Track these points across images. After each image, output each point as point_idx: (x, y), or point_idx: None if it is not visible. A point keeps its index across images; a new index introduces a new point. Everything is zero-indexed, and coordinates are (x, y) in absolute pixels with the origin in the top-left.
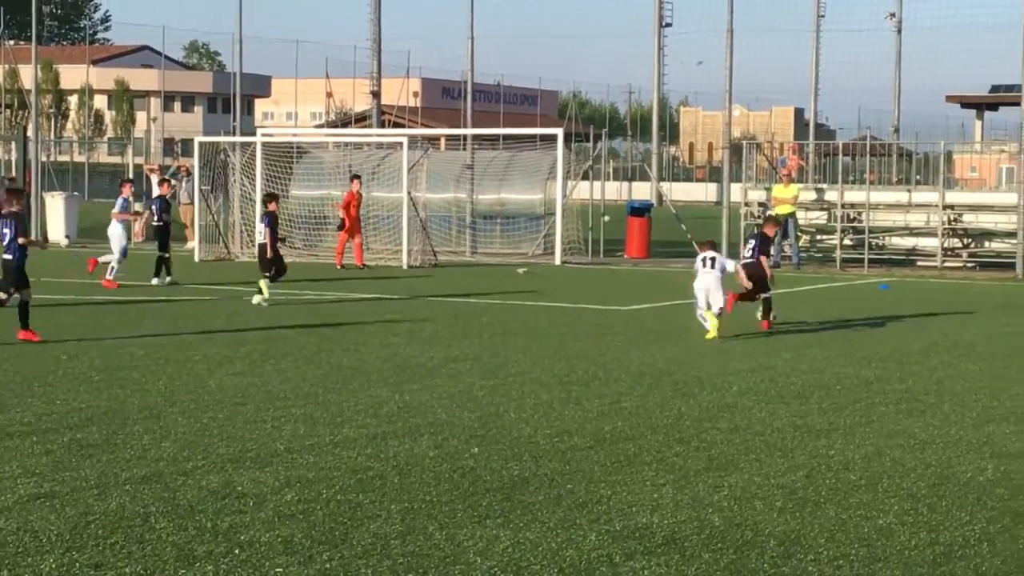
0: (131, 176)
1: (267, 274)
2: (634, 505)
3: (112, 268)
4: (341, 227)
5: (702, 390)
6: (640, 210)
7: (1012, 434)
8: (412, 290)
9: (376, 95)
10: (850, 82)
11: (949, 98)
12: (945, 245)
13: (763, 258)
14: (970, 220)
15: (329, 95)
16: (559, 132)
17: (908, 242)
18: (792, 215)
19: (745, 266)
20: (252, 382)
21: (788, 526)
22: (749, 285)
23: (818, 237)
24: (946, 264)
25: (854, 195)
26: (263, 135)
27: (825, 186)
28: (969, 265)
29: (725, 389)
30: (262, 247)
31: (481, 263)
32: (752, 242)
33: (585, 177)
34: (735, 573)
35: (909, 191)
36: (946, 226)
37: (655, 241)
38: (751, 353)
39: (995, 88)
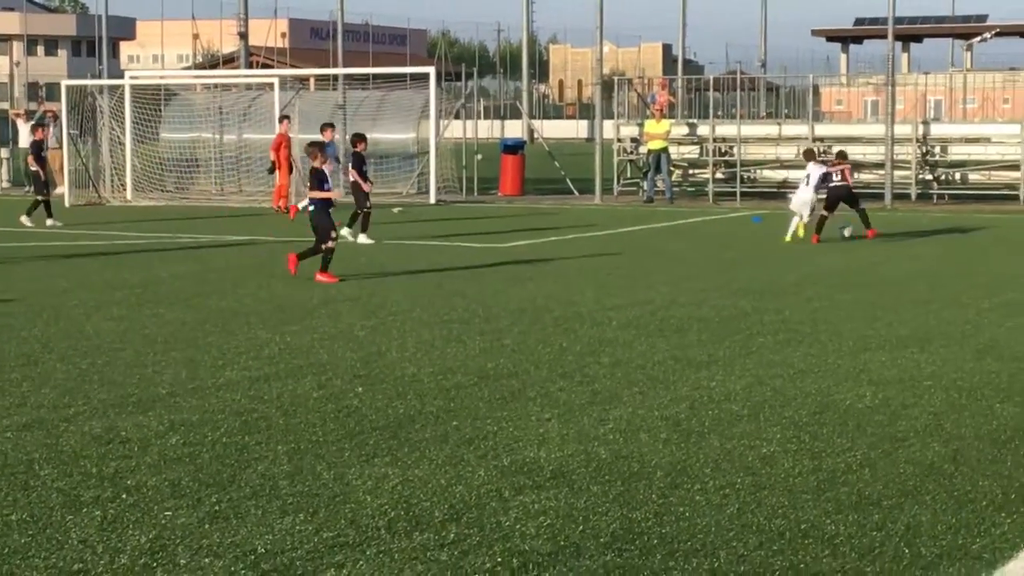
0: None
1: (362, 210)
2: (520, 440)
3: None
4: (272, 170)
5: (582, 325)
6: (513, 148)
7: (888, 361)
8: (287, 231)
9: (244, 36)
10: (718, 18)
11: (815, 32)
12: None
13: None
14: None
15: (196, 37)
16: (431, 71)
17: (779, 175)
18: (664, 150)
19: (834, 188)
20: (130, 327)
21: (674, 457)
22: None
23: (690, 172)
24: (818, 196)
25: (725, 129)
26: (131, 77)
27: (696, 121)
28: None
29: (605, 324)
30: (354, 184)
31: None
32: (835, 175)
33: (457, 116)
34: (624, 504)
35: (779, 124)
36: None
37: (528, 179)
38: (630, 287)
39: (859, 21)
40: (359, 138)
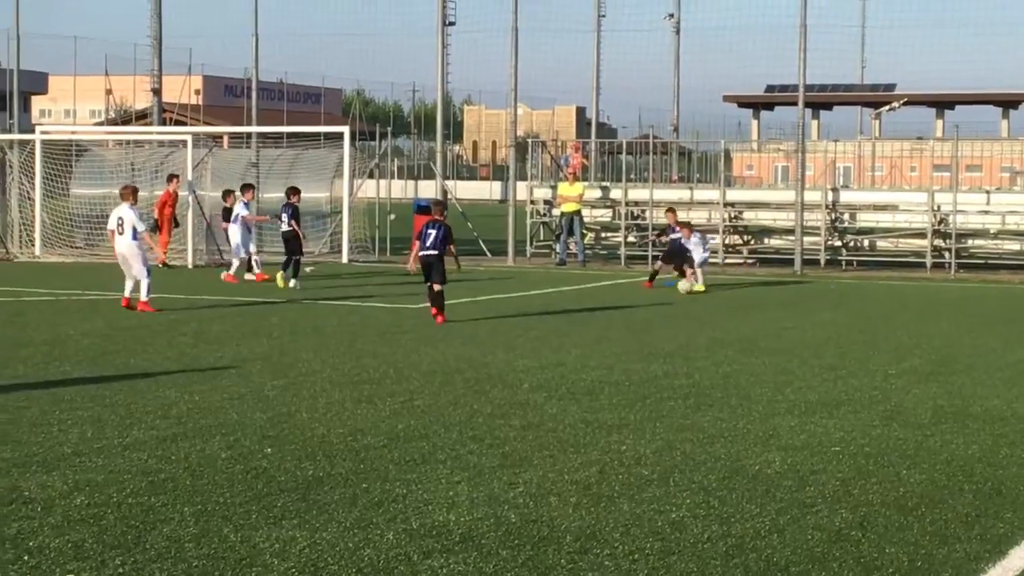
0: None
1: (296, 256)
2: (430, 503)
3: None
4: (155, 228)
5: (493, 387)
6: (426, 208)
7: (796, 427)
8: (198, 290)
9: (157, 92)
10: (631, 82)
11: (726, 98)
12: (726, 242)
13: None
14: (750, 217)
15: (109, 92)
16: (345, 130)
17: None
18: (578, 213)
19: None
20: (36, 385)
21: (583, 521)
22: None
23: (603, 235)
24: (727, 260)
25: (637, 193)
26: (42, 132)
27: (609, 184)
28: (749, 261)
29: (516, 386)
30: (292, 233)
31: (267, 261)
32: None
33: (371, 175)
34: (533, 569)
35: (691, 189)
36: (727, 223)
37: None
38: (540, 349)
39: (770, 88)
40: (294, 191)
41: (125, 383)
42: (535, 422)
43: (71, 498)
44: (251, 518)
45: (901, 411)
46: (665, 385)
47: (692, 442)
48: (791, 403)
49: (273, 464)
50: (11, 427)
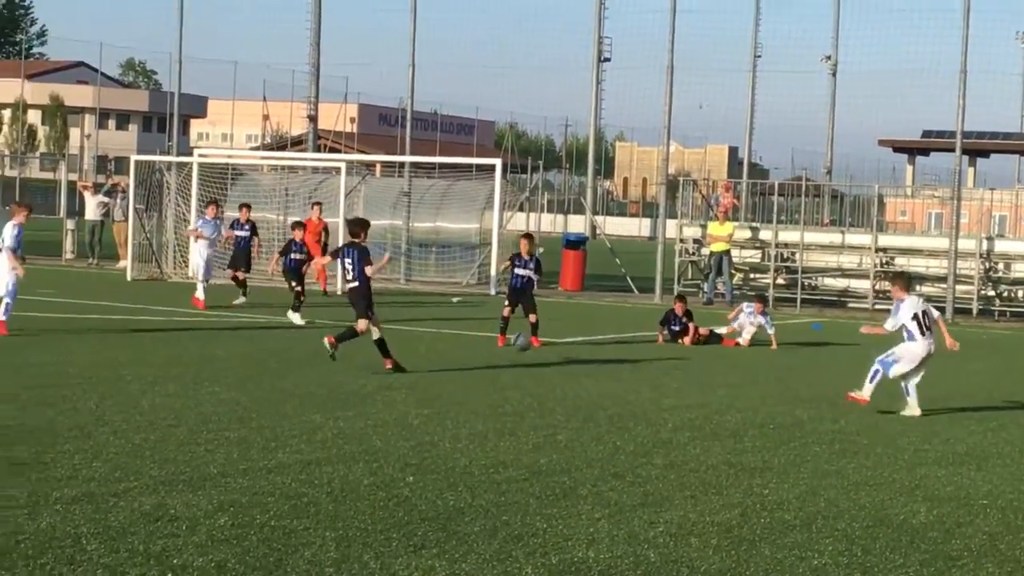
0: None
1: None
2: (570, 539)
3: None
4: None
5: (637, 425)
6: (575, 243)
7: (944, 477)
8: (346, 316)
9: (313, 119)
10: (785, 123)
11: (882, 142)
12: (877, 287)
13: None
14: (902, 263)
15: (266, 118)
16: (497, 162)
17: (841, 283)
18: (727, 253)
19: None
20: (185, 404)
21: (723, 564)
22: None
23: (751, 276)
24: (877, 306)
25: (788, 235)
26: (200, 155)
27: (759, 225)
28: None
29: (660, 424)
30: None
31: (415, 291)
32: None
33: (521, 208)
34: None
35: (842, 232)
36: (878, 268)
37: (589, 274)
38: (685, 390)
39: (927, 133)
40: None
41: (271, 406)
42: (678, 462)
43: (215, 518)
44: (391, 546)
45: None
46: (810, 430)
47: (836, 489)
48: (939, 453)
49: (415, 493)
50: (160, 445)
